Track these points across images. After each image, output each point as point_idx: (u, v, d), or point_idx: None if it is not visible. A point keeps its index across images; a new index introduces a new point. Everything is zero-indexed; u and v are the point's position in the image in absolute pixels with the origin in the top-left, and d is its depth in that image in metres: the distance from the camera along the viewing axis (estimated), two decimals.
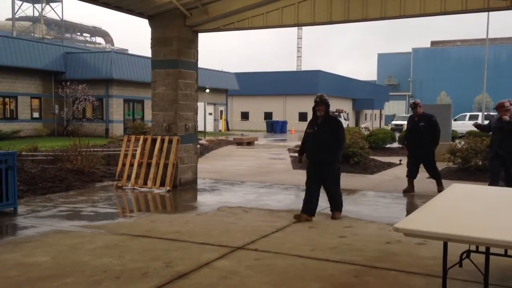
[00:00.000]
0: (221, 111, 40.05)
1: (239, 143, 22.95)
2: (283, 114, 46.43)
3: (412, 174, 9.13)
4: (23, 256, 4.81)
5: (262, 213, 7.16)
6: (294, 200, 8.33)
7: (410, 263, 4.73)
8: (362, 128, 32.09)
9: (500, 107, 7.66)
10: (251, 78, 46.32)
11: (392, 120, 44.94)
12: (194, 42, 9.91)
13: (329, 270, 4.54)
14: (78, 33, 74.37)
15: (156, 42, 9.72)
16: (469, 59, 73.90)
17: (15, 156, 6.97)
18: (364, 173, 12.15)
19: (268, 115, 46.97)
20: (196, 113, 10.24)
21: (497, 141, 7.71)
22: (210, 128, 36.02)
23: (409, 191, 9.07)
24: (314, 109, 6.72)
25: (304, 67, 79.61)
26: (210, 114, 37.80)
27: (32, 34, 56.90)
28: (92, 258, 4.74)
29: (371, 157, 14.40)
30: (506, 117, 7.58)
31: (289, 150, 19.37)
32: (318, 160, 6.66)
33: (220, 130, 38.51)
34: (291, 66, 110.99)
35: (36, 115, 27.19)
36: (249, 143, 23.20)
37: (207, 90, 35.02)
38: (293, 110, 46.01)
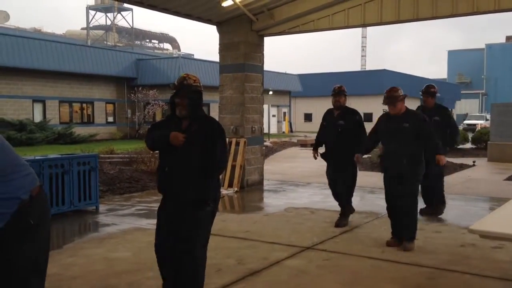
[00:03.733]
0: (284, 113, 40.21)
1: (303, 144, 22.96)
2: None
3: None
4: (107, 251, 5.19)
5: (329, 214, 7.18)
6: (360, 201, 8.28)
7: (485, 267, 4.59)
8: None
9: None
10: (314, 79, 46.08)
11: (464, 120, 42.94)
12: (260, 46, 10.12)
13: (401, 272, 4.51)
14: (147, 40, 77.60)
15: (223, 47, 10.03)
16: None
17: (96, 158, 7.49)
18: None
19: None
20: (262, 116, 10.43)
21: None
22: (273, 130, 36.30)
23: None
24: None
25: (369, 67, 77.96)
26: (274, 116, 38.11)
27: (105, 42, 60.13)
28: None
29: None
30: None
31: None
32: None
33: (283, 132, 38.68)
34: (356, 66, 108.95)
35: (110, 119, 28.78)
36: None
37: (271, 92, 35.29)
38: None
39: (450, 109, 7.46)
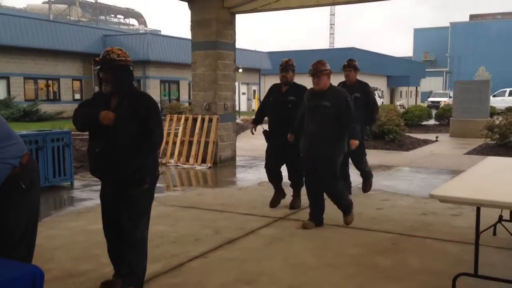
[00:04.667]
0: (254, 91, 40.30)
1: None
2: None
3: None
4: (87, 224, 5.32)
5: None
6: None
7: (445, 232, 4.98)
8: (397, 105, 31.75)
9: None
10: (284, 56, 46.04)
11: (428, 97, 44.10)
12: (232, 24, 10.18)
13: (367, 238, 4.84)
14: (112, 15, 75.53)
15: (195, 24, 10.05)
16: (510, 33, 71.10)
17: (70, 135, 7.51)
18: (399, 150, 12.26)
19: None
20: (234, 93, 10.57)
21: None
22: (244, 107, 36.40)
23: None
24: None
25: (338, 45, 78.48)
26: (244, 93, 38.13)
27: (68, 17, 58.25)
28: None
29: (407, 134, 14.44)
30: None
31: None
32: None
33: (253, 110, 38.84)
34: (325, 44, 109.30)
35: (77, 96, 28.22)
36: None
37: (240, 70, 35.21)
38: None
39: (378, 87, 7.20)
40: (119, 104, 3.25)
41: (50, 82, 26.88)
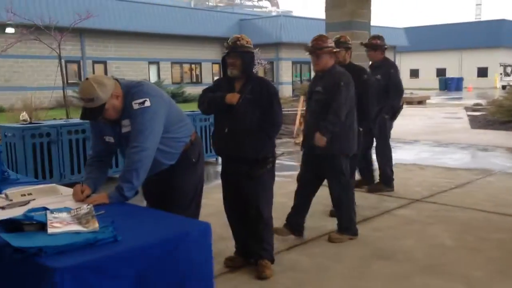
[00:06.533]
0: None
1: (409, 102, 22.25)
2: (459, 70, 42.95)
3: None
4: None
5: (439, 171, 7.25)
6: (472, 159, 8.17)
7: None
8: None
9: None
10: (422, 32, 43.57)
11: None
12: (367, 2, 10.02)
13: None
14: None
15: (329, 5, 10.10)
16: None
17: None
18: None
19: (441, 72, 43.95)
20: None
21: None
22: None
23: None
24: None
25: (485, 17, 71.31)
26: None
27: (207, 3, 61.70)
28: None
29: None
30: None
31: (466, 108, 18.24)
32: None
33: None
34: (469, 17, 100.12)
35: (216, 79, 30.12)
36: (420, 102, 22.40)
37: None
38: (471, 65, 42.27)
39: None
40: (244, 88, 3.45)
41: (193, 66, 29.09)
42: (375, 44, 5.79)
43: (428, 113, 17.29)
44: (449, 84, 36.56)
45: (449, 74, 42.23)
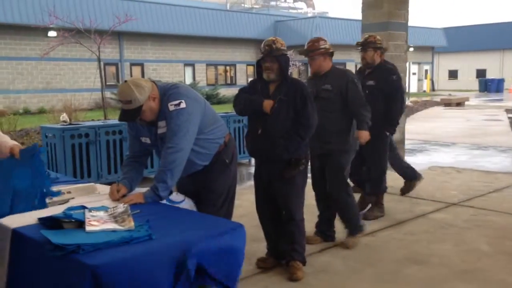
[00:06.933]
0: (426, 71, 37.96)
1: (447, 103, 21.79)
2: (500, 71, 41.52)
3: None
4: None
5: (477, 174, 7.06)
6: None
7: None
8: None
9: None
10: (461, 32, 42.38)
11: None
12: (405, 3, 9.86)
13: None
14: (282, 0, 77.94)
15: (366, 6, 10.00)
16: None
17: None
18: None
19: (480, 73, 42.59)
20: (405, 74, 10.27)
21: None
22: (413, 89, 34.66)
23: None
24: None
25: None
26: (414, 74, 36.22)
27: (243, 5, 62.05)
28: None
29: None
30: None
31: (507, 111, 17.66)
32: None
33: (424, 91, 36.69)
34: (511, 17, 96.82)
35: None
36: (459, 104, 21.82)
37: (411, 49, 33.55)
38: None
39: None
40: (278, 91, 3.46)
41: (227, 67, 29.32)
42: (374, 43, 5.12)
43: (467, 115, 16.84)
44: (489, 86, 35.42)
45: (490, 75, 40.87)
